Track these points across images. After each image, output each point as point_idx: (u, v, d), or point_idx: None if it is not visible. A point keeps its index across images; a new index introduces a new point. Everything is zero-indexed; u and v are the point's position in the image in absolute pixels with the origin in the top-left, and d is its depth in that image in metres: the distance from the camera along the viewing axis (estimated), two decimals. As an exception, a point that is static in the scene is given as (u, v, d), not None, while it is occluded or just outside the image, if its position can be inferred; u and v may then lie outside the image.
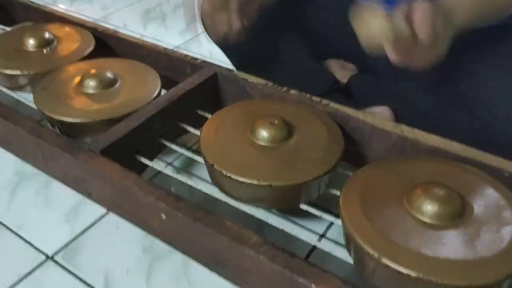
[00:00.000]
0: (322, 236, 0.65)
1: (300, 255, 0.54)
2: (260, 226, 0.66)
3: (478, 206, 0.49)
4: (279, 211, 0.68)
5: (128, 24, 1.24)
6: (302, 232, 0.65)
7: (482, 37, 0.76)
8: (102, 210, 0.68)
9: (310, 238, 0.59)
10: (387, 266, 0.43)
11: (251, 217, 0.64)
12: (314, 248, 0.62)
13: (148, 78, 0.74)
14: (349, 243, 0.49)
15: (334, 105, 0.68)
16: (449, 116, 0.70)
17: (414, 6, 0.54)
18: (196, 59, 0.79)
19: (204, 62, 0.78)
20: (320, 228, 0.66)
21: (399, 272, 0.43)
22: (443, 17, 0.56)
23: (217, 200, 0.65)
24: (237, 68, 0.84)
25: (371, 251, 0.44)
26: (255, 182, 0.54)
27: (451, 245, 0.44)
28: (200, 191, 0.66)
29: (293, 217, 0.68)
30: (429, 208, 0.47)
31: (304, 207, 0.59)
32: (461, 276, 0.41)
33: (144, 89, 0.71)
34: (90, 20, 1.00)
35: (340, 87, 0.83)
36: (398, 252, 0.44)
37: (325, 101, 0.69)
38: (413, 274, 0.42)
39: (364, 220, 0.48)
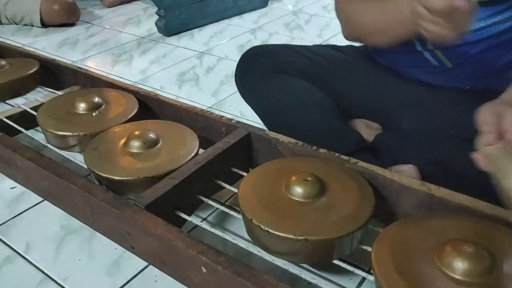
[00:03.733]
0: (354, 292, 0.67)
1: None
2: (293, 281, 0.68)
3: (507, 262, 0.50)
4: (312, 266, 0.70)
5: (165, 86, 1.33)
6: (334, 288, 0.67)
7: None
8: (142, 263, 0.71)
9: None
10: (421, 322, 0.45)
11: (285, 272, 0.67)
12: (347, 303, 0.64)
13: (187, 138, 0.80)
14: (383, 299, 0.51)
15: (362, 163, 0.71)
16: (474, 174, 0.72)
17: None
18: (231, 119, 0.85)
19: (239, 122, 0.84)
20: (351, 284, 0.68)
21: (433, 328, 0.44)
22: None
23: (250, 254, 0.68)
24: (268, 128, 0.90)
25: (405, 307, 0.46)
26: (292, 236, 0.57)
27: (483, 301, 0.46)
28: (233, 246, 0.69)
29: (325, 273, 0.70)
30: (459, 265, 0.49)
31: (337, 262, 0.61)
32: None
33: (184, 149, 0.77)
34: (130, 82, 1.09)
35: (366, 146, 0.87)
36: (431, 307, 0.46)
37: (353, 160, 0.72)
38: (447, 329, 0.43)
39: (397, 275, 0.50)
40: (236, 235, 0.76)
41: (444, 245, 0.51)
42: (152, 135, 0.78)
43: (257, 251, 0.64)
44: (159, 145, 0.78)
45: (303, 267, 0.69)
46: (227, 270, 0.53)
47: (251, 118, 1.04)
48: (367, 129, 0.93)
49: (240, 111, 1.16)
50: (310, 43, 1.00)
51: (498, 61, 0.79)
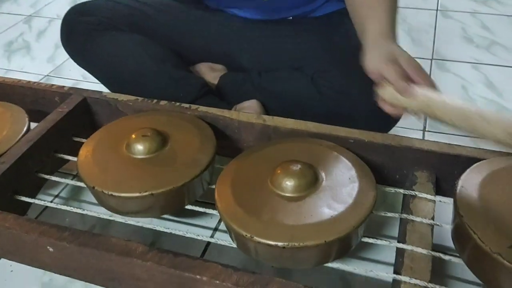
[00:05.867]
0: (216, 229, 0.71)
1: (198, 252, 0.59)
2: (158, 235, 0.69)
3: (329, 172, 0.57)
4: (173, 215, 0.72)
5: (-10, 61, 1.18)
6: (198, 230, 0.70)
7: (320, 27, 0.86)
8: (-8, 258, 0.66)
9: (205, 234, 0.64)
10: (259, 242, 0.49)
11: (147, 228, 0.67)
12: (208, 243, 0.67)
13: (13, 116, 0.73)
14: (230, 231, 0.55)
15: (203, 108, 0.73)
16: (306, 98, 0.79)
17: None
18: (63, 87, 0.79)
19: (72, 88, 0.79)
20: (212, 222, 0.71)
21: (270, 245, 0.49)
22: None
23: (110, 221, 0.67)
24: (111, 90, 0.86)
25: (244, 233, 0.50)
26: (137, 194, 0.57)
27: (308, 212, 0.52)
28: (91, 217, 0.67)
29: (186, 218, 0.72)
30: (287, 184, 0.54)
31: (189, 206, 0.63)
32: (318, 236, 0.49)
33: (11, 128, 0.70)
34: None
35: (211, 89, 0.88)
36: (266, 228, 0.50)
37: (194, 106, 0.73)
38: (280, 244, 0.49)
39: (237, 207, 0.53)
40: (95, 204, 0.74)
41: (274, 169, 0.56)
42: (-31, 121, 0.69)
43: (112, 217, 0.63)
44: (-20, 130, 0.70)
45: (164, 219, 0.71)
46: (72, 244, 0.52)
47: (95, 80, 0.98)
48: (211, 72, 0.94)
49: (82, 75, 1.09)
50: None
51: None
